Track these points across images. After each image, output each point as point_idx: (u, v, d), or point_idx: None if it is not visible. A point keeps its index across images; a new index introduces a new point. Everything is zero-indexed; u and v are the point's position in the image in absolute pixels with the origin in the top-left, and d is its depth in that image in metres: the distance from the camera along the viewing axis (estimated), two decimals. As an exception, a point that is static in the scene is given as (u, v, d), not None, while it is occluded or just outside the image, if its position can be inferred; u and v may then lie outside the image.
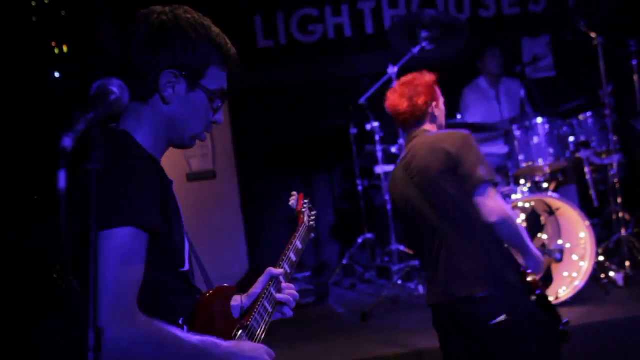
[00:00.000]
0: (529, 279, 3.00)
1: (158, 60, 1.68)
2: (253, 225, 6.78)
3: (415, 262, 5.49)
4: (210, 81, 1.75)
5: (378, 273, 6.26)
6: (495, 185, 3.05)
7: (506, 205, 3.02)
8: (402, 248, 5.87)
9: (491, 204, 2.96)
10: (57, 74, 5.13)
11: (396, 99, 3.33)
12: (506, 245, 3.06)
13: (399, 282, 5.55)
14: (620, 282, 5.02)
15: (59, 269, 3.85)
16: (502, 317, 2.92)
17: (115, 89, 1.36)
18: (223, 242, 6.25)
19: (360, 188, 6.31)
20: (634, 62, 5.55)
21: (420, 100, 3.26)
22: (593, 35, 5.41)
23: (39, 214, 4.16)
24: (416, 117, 3.29)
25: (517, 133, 5.14)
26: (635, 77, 5.58)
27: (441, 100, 3.40)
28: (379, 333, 4.73)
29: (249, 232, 6.59)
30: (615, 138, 5.29)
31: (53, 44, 5.11)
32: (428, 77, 3.34)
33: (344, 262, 6.16)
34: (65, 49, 5.15)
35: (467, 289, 2.99)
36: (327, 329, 5.05)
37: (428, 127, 3.32)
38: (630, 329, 4.31)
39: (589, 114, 5.33)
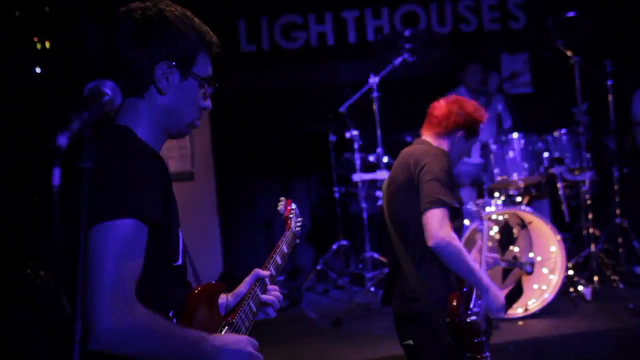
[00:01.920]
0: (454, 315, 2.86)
1: (151, 54, 1.72)
2: (229, 227, 6.79)
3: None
4: (200, 68, 1.80)
5: (351, 280, 6.30)
6: (455, 211, 2.97)
7: (451, 233, 2.90)
8: (376, 256, 5.92)
9: (434, 227, 2.88)
10: (38, 70, 5.11)
11: (440, 103, 3.28)
12: (447, 273, 2.97)
13: (372, 289, 5.60)
14: (588, 296, 5.12)
15: (33, 265, 3.83)
16: (409, 342, 2.98)
17: (108, 91, 1.41)
18: (198, 243, 6.23)
19: (337, 195, 6.35)
20: (609, 82, 5.68)
21: (452, 119, 3.20)
22: (570, 54, 5.54)
23: (20, 211, 4.14)
24: (439, 129, 3.22)
25: (493, 147, 5.23)
26: (610, 97, 5.71)
27: (473, 139, 3.31)
28: (351, 339, 4.77)
29: (225, 235, 6.59)
30: (588, 155, 5.41)
31: (35, 39, 5.09)
32: (478, 113, 3.27)
33: (318, 267, 6.19)
34: (47, 44, 5.14)
35: (399, 305, 3.06)
36: (299, 334, 5.08)
37: (432, 139, 3.25)
38: (597, 343, 4.41)
39: (563, 131, 5.44)
